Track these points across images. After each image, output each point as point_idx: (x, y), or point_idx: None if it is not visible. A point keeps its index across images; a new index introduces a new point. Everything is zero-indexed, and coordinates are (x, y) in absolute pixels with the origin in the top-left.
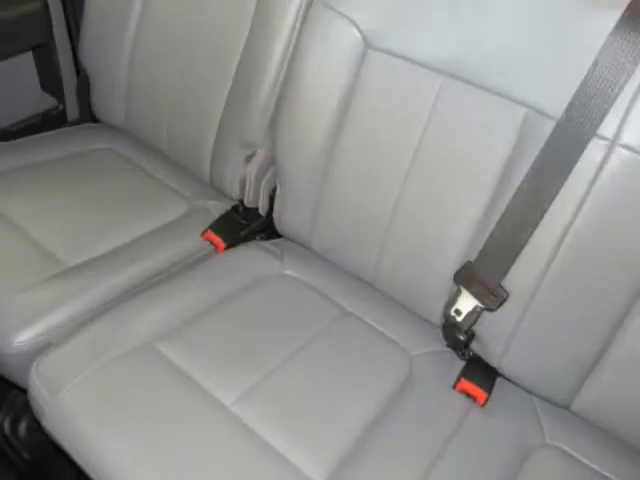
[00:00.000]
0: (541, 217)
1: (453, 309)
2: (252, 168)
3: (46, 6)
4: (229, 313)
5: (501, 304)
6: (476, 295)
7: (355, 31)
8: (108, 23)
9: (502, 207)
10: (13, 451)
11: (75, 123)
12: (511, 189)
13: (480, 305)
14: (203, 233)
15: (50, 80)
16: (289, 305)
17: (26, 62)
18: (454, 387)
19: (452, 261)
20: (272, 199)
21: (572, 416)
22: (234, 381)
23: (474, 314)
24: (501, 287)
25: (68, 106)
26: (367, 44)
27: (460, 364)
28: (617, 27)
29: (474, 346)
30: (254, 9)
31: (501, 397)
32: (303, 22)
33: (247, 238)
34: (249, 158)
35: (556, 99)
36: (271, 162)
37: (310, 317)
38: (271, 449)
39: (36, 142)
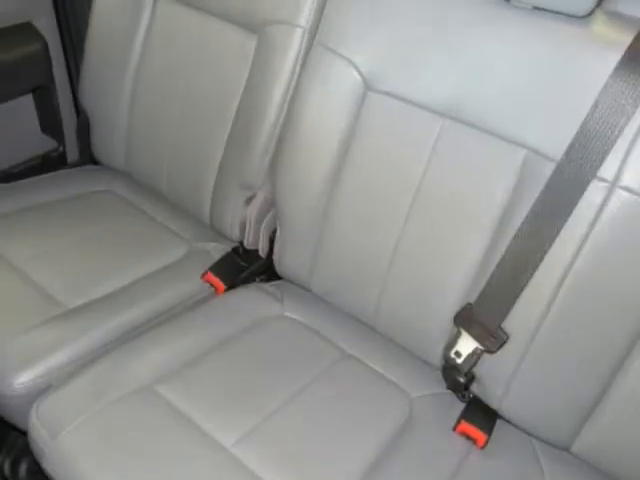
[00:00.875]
0: (541, 259)
1: (453, 351)
2: (252, 210)
3: (46, 48)
4: (229, 355)
5: (501, 346)
6: (476, 337)
7: (355, 73)
8: (108, 65)
9: (502, 249)
10: None
11: (75, 165)
12: (511, 231)
13: (480, 347)
14: (203, 275)
15: (50, 122)
16: (289, 347)
17: (26, 104)
18: (454, 429)
19: (452, 303)
20: (272, 241)
21: (572, 458)
22: (234, 423)
23: (474, 356)
24: (501, 329)
25: (68, 148)
26: (367, 86)
27: (460, 406)
28: (617, 69)
29: (474, 388)
30: (254, 51)
31: (501, 439)
32: (303, 64)
33: (247, 280)
34: (249, 200)
35: (556, 141)
36: (271, 204)
37: (310, 359)
38: None
39: (36, 184)
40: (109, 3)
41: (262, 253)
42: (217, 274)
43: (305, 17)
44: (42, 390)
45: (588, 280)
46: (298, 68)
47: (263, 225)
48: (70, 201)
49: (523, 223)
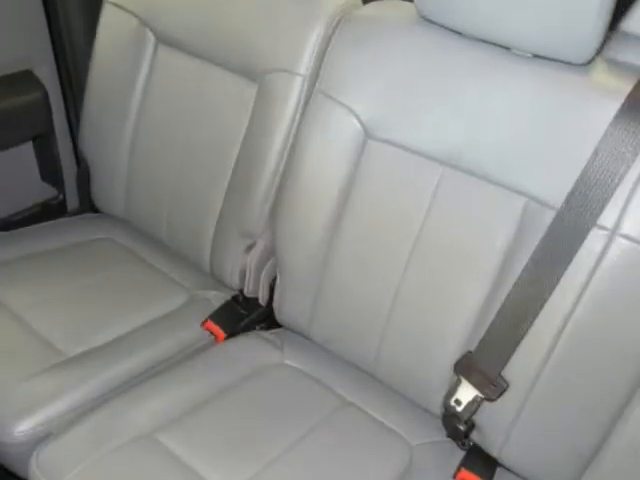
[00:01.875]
0: (541, 307)
1: (453, 399)
2: (252, 258)
3: (46, 97)
4: (229, 403)
5: (501, 394)
6: (476, 385)
7: (355, 121)
8: (108, 113)
9: (502, 297)
10: None
11: (75, 213)
12: (511, 279)
13: (480, 395)
14: (203, 323)
15: (50, 170)
16: (289, 395)
17: (26, 152)
18: (454, 477)
19: (452, 351)
20: (272, 289)
21: None
22: (234, 471)
23: (474, 404)
24: (501, 377)
25: (68, 196)
26: (367, 134)
27: (460, 454)
28: (617, 117)
29: (474, 436)
30: (254, 99)
31: None
32: (303, 112)
33: (247, 328)
34: (249, 248)
35: (556, 189)
36: (271, 252)
37: (310, 407)
38: None
39: (36, 232)
40: (110, 51)
41: (262, 301)
42: (217, 322)
43: (305, 65)
44: (42, 438)
45: (588, 328)
46: (298, 116)
47: (263, 273)
48: (70, 249)
49: (523, 271)
